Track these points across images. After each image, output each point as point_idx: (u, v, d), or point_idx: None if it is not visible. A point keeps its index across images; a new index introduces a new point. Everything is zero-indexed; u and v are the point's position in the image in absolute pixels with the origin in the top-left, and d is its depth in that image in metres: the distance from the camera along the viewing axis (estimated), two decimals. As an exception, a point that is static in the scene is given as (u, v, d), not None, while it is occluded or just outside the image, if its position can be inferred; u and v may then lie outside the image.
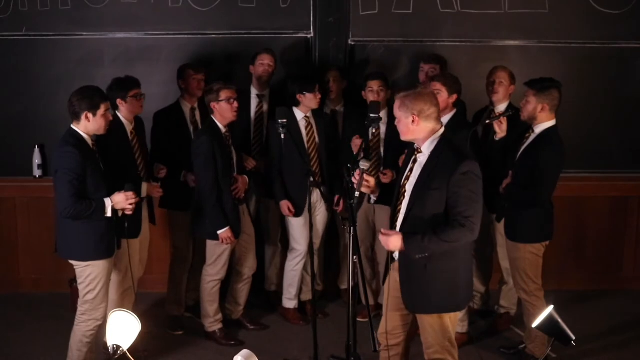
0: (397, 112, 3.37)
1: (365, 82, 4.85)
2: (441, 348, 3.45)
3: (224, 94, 4.39)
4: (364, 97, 4.83)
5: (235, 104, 4.44)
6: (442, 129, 3.37)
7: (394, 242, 3.28)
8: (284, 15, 5.29)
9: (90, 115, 3.79)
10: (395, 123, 3.42)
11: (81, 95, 3.81)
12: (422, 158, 3.37)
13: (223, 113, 4.43)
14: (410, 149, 3.48)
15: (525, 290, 4.27)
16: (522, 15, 5.36)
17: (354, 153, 4.53)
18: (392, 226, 3.47)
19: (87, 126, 3.82)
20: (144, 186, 4.34)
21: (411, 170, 3.41)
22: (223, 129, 4.48)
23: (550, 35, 5.40)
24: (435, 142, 3.34)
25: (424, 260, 3.30)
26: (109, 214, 3.82)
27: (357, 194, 3.37)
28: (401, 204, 3.42)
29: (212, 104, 4.42)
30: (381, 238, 3.34)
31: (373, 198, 3.49)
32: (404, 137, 3.41)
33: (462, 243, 3.28)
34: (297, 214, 4.83)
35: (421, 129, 3.32)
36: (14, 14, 5.19)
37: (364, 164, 3.44)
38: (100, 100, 3.84)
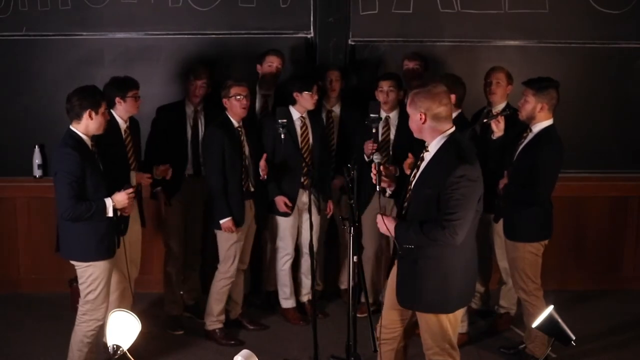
0: (408, 109, 3.35)
1: (377, 82, 4.85)
2: (440, 350, 3.43)
3: (233, 91, 4.50)
4: (377, 97, 4.79)
5: (244, 101, 4.53)
6: (452, 129, 3.32)
7: (389, 225, 3.34)
8: (284, 15, 5.29)
9: (92, 114, 3.79)
10: (409, 122, 3.39)
11: (82, 94, 3.80)
12: (427, 156, 3.35)
13: (233, 109, 4.53)
14: (419, 148, 3.46)
15: (525, 290, 4.26)
16: (522, 15, 5.36)
17: (366, 154, 4.59)
18: None
19: (89, 125, 3.81)
20: (133, 175, 4.33)
21: (418, 167, 3.40)
22: (236, 124, 4.57)
23: (550, 35, 5.40)
24: (442, 142, 3.30)
25: (414, 255, 3.31)
26: (110, 214, 3.82)
27: (378, 188, 3.39)
28: (406, 201, 3.43)
29: (224, 100, 4.55)
30: (378, 220, 3.39)
31: (388, 191, 3.49)
32: (416, 135, 3.39)
33: (440, 244, 3.24)
34: (287, 213, 4.84)
35: (429, 127, 3.28)
36: (14, 14, 5.18)
37: (377, 158, 3.44)
38: (100, 99, 3.86)
